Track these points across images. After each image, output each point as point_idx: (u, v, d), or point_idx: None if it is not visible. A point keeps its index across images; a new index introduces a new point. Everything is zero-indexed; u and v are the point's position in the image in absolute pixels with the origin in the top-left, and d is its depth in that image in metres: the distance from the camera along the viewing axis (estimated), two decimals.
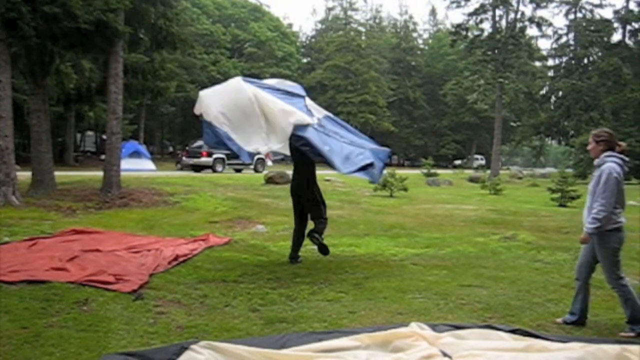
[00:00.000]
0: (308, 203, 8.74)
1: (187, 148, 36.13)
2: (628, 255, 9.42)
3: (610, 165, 5.40)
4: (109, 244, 8.96)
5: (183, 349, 4.28)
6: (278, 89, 8.82)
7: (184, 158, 35.97)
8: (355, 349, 4.48)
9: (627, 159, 5.55)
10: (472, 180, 35.45)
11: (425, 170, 36.26)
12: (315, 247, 8.76)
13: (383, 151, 8.57)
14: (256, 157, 32.22)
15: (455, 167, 63.49)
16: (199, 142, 32.30)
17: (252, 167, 34.22)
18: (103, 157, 19.55)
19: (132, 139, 40.27)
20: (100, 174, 16.47)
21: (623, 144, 5.62)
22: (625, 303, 5.48)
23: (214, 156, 32.80)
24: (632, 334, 5.29)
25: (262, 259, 8.78)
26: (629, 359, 4.13)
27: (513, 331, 5.03)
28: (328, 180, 23.59)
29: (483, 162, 69.39)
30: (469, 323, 5.40)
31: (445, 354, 4.33)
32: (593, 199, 5.47)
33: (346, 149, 8.03)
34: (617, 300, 6.47)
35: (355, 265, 8.33)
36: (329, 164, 7.77)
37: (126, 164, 25.72)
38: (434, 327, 4.99)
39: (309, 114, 8.40)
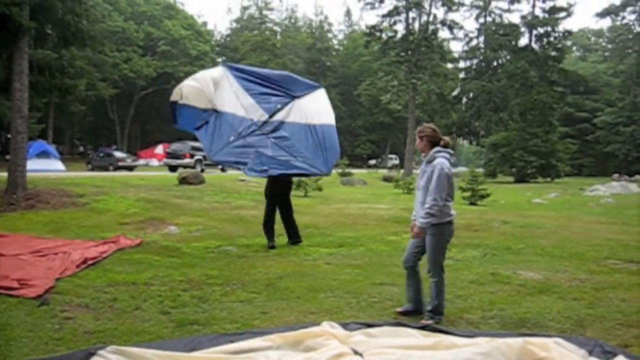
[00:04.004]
0: (289, 194, 10.54)
1: (167, 150, 39.28)
2: (533, 252, 9.82)
3: (440, 160, 5.63)
4: (13, 247, 8.62)
5: (90, 354, 4.17)
6: (265, 80, 10.55)
7: (164, 159, 38.89)
8: (266, 349, 4.47)
9: (452, 152, 5.88)
10: (386, 179, 36.02)
11: (339, 170, 36.50)
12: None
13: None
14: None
15: (369, 166, 64.38)
16: (178, 144, 36.89)
17: (220, 167, 35.36)
18: (8, 157, 18.81)
19: (40, 138, 38.88)
20: (4, 174, 15.81)
21: (446, 138, 5.87)
22: (437, 294, 5.71)
23: (195, 158, 35.33)
24: (431, 322, 5.51)
25: (174, 260, 8.64)
26: (531, 351, 4.28)
27: (422, 328, 5.14)
28: (242, 180, 23.46)
29: (397, 161, 70.59)
30: (380, 321, 5.47)
31: (356, 352, 4.38)
32: (425, 194, 5.66)
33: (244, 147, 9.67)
34: (522, 294, 6.72)
35: (269, 266, 8.31)
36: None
37: (33, 164, 24.86)
38: (345, 326, 5.04)
39: (268, 108, 10.13)
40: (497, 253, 9.75)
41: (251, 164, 9.52)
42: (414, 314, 5.82)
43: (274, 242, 10.09)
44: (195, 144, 35.50)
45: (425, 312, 5.74)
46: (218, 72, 10.35)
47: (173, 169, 35.00)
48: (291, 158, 9.76)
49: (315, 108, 10.44)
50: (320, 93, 10.83)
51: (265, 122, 10.01)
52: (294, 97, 10.41)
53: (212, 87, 9.94)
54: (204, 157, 35.14)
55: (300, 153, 9.86)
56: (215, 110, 9.84)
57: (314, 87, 10.98)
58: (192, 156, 35.60)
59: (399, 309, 5.96)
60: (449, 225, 5.71)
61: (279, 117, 10.16)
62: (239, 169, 9.98)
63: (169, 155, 37.45)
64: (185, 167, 33.95)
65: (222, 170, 35.20)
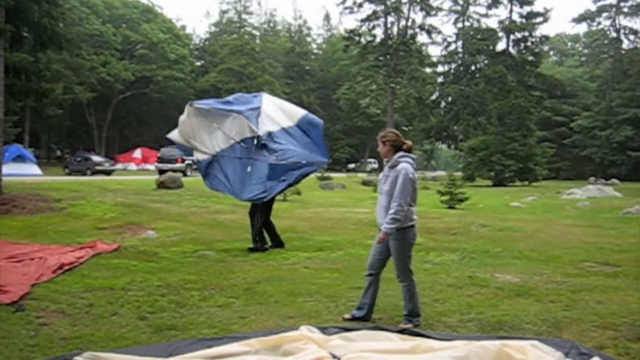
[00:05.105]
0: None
1: (159, 155, 39.09)
2: (511, 255, 9.88)
3: (404, 165, 5.64)
4: None
5: None
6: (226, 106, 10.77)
7: (155, 163, 39.40)
8: (244, 354, 4.46)
9: (414, 156, 5.85)
10: (365, 183, 36.10)
11: (319, 174, 36.46)
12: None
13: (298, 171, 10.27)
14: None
15: (349, 170, 64.37)
16: (169, 149, 36.18)
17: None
18: None
19: (16, 142, 38.49)
20: None
21: (409, 142, 5.88)
22: (410, 298, 5.73)
23: (186, 162, 36.11)
24: (410, 325, 5.53)
25: (152, 265, 8.59)
26: (508, 354, 4.30)
27: (401, 331, 5.16)
28: None
29: (376, 165, 70.76)
30: (358, 325, 5.48)
31: (334, 356, 4.39)
32: (389, 199, 5.65)
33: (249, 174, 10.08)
34: (499, 297, 6.76)
35: (247, 270, 8.29)
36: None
37: (9, 168, 24.63)
38: (323, 330, 5.04)
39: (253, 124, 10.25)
40: (475, 256, 9.80)
41: (270, 182, 9.86)
42: (361, 321, 5.79)
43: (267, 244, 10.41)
44: None
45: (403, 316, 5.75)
46: (190, 114, 10.48)
47: (163, 173, 35.01)
48: (296, 161, 10.12)
49: (278, 111, 10.87)
50: (266, 97, 11.21)
51: (257, 137, 10.21)
52: (258, 109, 10.68)
53: (197, 137, 10.43)
54: (193, 161, 35.35)
55: (303, 154, 10.25)
56: (214, 155, 10.30)
57: (258, 95, 11.34)
58: (183, 161, 36.20)
59: (346, 316, 5.90)
60: (411, 229, 5.71)
61: (265, 128, 10.38)
62: (264, 195, 10.15)
63: (160, 159, 37.84)
64: (176, 171, 34.15)
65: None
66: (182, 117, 10.58)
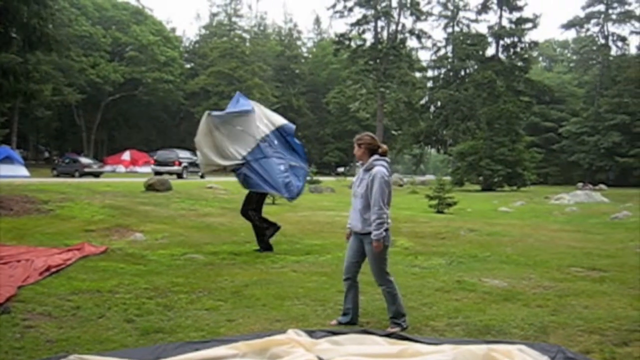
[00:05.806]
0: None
1: (155, 158, 40.13)
2: (499, 259, 9.90)
3: (379, 169, 5.66)
4: None
5: None
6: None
7: (152, 166, 39.96)
8: (232, 357, 4.46)
9: (389, 160, 5.89)
10: None
11: (308, 178, 36.45)
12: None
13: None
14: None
15: (338, 174, 64.45)
16: (166, 152, 39.04)
17: (199, 173, 37.26)
18: None
19: (3, 143, 38.36)
20: None
21: (384, 146, 5.92)
22: (393, 299, 5.75)
23: (182, 165, 37.10)
24: (398, 329, 5.55)
25: (139, 268, 8.55)
26: (495, 358, 4.32)
27: (388, 335, 5.16)
28: (210, 187, 23.33)
29: None
30: (346, 329, 5.48)
31: None
32: (364, 202, 5.69)
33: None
34: (487, 302, 6.78)
35: (235, 273, 8.27)
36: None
37: None
38: (310, 334, 5.04)
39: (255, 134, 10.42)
40: (463, 261, 9.82)
41: (293, 179, 10.46)
42: (349, 325, 5.79)
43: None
44: (180, 153, 38.70)
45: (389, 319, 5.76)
46: (212, 127, 10.31)
47: (160, 175, 35.27)
48: (299, 161, 10.76)
49: (262, 114, 10.95)
50: (240, 98, 11.25)
51: (274, 131, 10.69)
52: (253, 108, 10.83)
53: (224, 152, 10.30)
54: (189, 164, 37.47)
55: (294, 159, 10.76)
56: (243, 163, 10.27)
57: (241, 97, 11.32)
58: (180, 163, 36.92)
59: (332, 322, 5.88)
60: (386, 232, 5.67)
61: (264, 129, 10.64)
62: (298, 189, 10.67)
63: (157, 162, 38.50)
64: (172, 173, 35.15)
65: (202, 177, 35.97)
66: (200, 135, 10.29)
